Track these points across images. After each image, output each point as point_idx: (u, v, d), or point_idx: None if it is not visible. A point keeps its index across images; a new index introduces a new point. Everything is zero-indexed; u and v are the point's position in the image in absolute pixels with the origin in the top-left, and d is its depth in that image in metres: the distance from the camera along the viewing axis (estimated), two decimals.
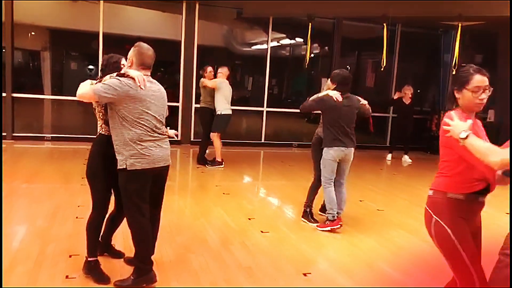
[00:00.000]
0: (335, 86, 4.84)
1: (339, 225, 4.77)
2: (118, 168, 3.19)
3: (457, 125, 2.33)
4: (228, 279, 3.57)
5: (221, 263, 3.87)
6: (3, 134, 9.04)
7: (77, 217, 4.69)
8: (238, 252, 4.15)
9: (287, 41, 12.02)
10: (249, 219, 5.13)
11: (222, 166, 7.80)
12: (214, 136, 7.77)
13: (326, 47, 11.72)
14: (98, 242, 3.54)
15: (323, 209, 5.27)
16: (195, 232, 4.59)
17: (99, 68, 3.51)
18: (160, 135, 3.30)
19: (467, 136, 2.25)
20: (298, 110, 5.08)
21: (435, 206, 2.56)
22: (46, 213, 4.83)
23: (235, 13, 9.91)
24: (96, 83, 3.16)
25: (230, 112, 7.78)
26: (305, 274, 3.75)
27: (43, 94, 9.75)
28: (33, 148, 8.78)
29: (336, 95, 4.72)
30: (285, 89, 12.51)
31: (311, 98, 4.95)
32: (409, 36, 11.70)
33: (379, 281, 3.81)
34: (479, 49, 11.03)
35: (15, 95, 9.15)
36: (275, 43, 11.68)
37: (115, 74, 3.14)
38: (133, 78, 3.06)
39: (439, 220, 2.51)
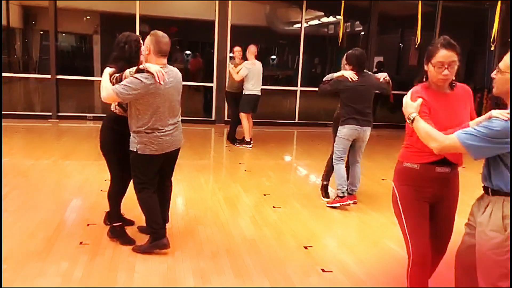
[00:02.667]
0: (351, 67, 4.86)
1: (348, 202, 4.81)
2: (129, 148, 3.45)
3: (406, 105, 2.39)
4: (230, 249, 3.74)
5: (226, 235, 4.04)
6: (49, 113, 9.66)
7: (101, 190, 4.99)
8: (246, 225, 4.31)
9: (326, 19, 11.89)
10: (264, 195, 5.25)
11: (250, 146, 7.92)
12: (242, 116, 7.90)
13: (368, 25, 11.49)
14: (119, 209, 3.83)
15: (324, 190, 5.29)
16: (209, 206, 4.79)
17: (118, 46, 3.52)
18: (172, 125, 3.49)
19: (413, 119, 2.32)
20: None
21: (394, 173, 2.72)
22: (73, 187, 5.20)
23: None
24: (113, 72, 3.37)
25: (256, 93, 7.79)
26: (306, 247, 3.85)
27: (93, 76, 10.18)
28: (75, 127, 9.28)
29: (351, 75, 4.75)
30: (328, 67, 12.41)
31: (325, 78, 4.98)
32: (452, 11, 11.20)
33: (381, 257, 3.84)
34: None
35: (59, 76, 9.70)
36: (316, 21, 11.59)
37: (134, 69, 3.28)
38: (152, 74, 3.24)
39: (393, 185, 2.71)
